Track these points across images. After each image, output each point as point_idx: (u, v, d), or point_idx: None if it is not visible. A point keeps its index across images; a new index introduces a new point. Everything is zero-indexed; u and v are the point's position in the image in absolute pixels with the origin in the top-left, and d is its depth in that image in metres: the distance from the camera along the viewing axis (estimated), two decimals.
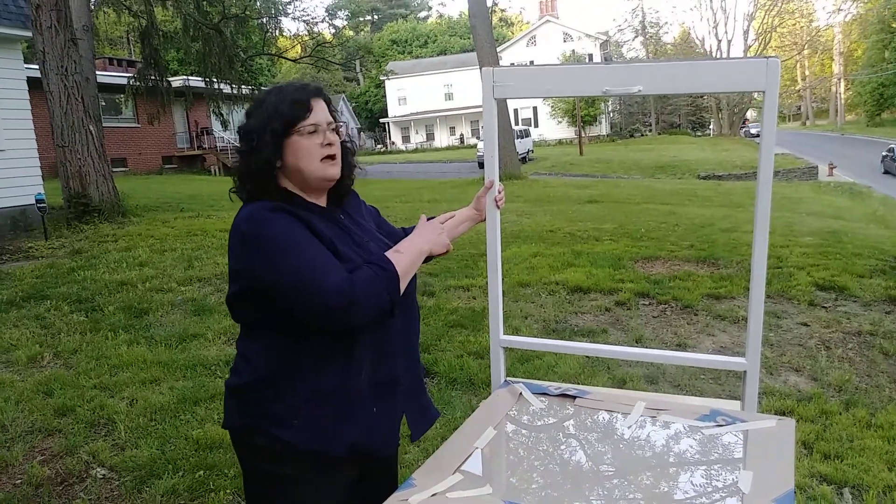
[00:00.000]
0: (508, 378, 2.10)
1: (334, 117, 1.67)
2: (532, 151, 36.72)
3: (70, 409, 3.87)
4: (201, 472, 3.12)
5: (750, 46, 60.21)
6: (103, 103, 22.07)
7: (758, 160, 1.77)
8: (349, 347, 1.58)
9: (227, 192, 1.69)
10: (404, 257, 1.60)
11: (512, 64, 51.41)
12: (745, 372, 1.87)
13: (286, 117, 1.58)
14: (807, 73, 73.13)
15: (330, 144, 1.62)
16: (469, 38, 41.55)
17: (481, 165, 29.09)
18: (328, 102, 1.68)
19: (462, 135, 52.44)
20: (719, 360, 2.05)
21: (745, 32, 60.35)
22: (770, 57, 1.70)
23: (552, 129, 50.15)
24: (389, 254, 1.59)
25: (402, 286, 1.57)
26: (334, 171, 1.64)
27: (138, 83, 16.92)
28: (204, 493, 2.99)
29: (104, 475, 3.20)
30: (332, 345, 1.56)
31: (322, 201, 1.68)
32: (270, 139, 1.56)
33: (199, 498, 2.96)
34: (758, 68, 1.70)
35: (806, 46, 66.74)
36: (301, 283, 1.46)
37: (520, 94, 1.99)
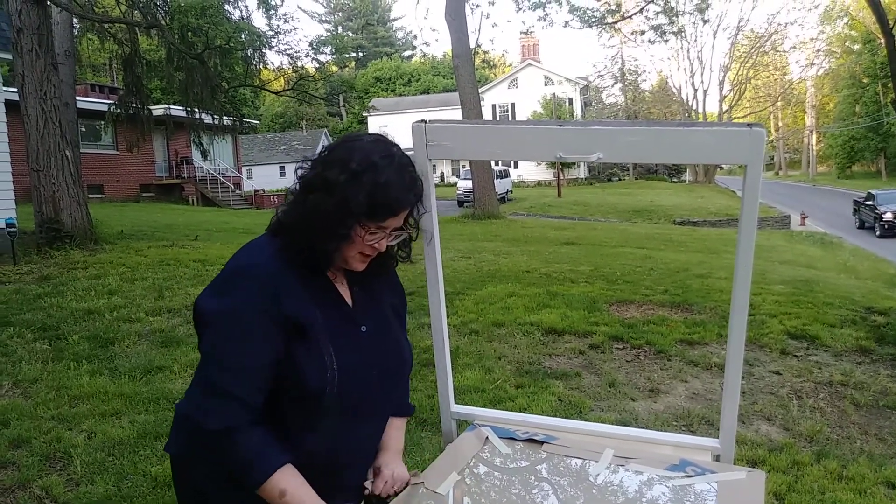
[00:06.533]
0: (476, 422, 2.04)
1: (408, 222, 1.52)
2: (511, 192, 37.03)
3: (26, 440, 3.74)
4: None
5: (725, 97, 61.63)
6: (83, 129, 21.94)
7: (736, 243, 1.60)
8: (306, 432, 1.45)
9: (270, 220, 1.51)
10: (276, 500, 1.37)
11: (496, 106, 52.18)
12: (717, 456, 1.78)
13: (375, 210, 1.39)
14: (780, 124, 74.89)
15: (375, 250, 1.47)
16: (452, 78, 42.15)
17: (461, 203, 29.44)
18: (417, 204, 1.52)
19: (443, 173, 52.75)
20: (690, 441, 1.88)
21: (721, 83, 61.80)
22: (754, 125, 1.45)
23: (531, 170, 50.63)
24: (280, 479, 1.36)
25: (259, 492, 1.37)
26: (359, 266, 1.49)
27: (119, 110, 16.83)
28: None
29: None
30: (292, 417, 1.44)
31: (339, 269, 1.53)
32: (350, 218, 1.39)
33: None
34: (739, 139, 1.47)
35: (779, 98, 68.46)
36: (214, 371, 1.37)
37: (457, 154, 1.74)
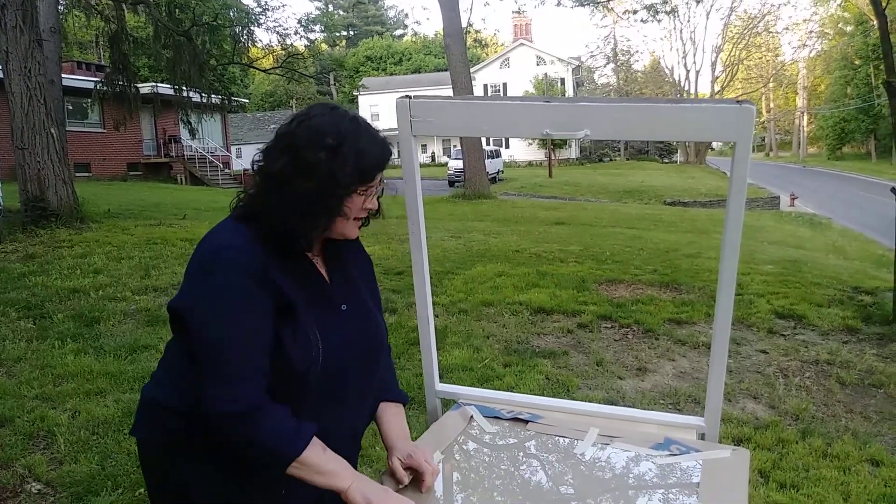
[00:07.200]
0: (461, 401, 2.03)
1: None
2: (502, 172, 36.98)
3: (9, 419, 3.70)
4: (142, 490, 2.98)
5: (717, 77, 61.54)
6: (69, 107, 21.72)
7: (724, 222, 1.59)
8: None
9: (229, 205, 1.49)
10: (322, 455, 1.38)
11: (488, 86, 51.93)
12: (702, 434, 1.79)
13: (365, 174, 1.40)
14: (771, 105, 74.92)
15: (367, 210, 1.48)
16: (443, 58, 41.89)
17: (451, 184, 29.38)
18: None
19: (433, 153, 52.60)
20: (676, 420, 1.89)
21: (713, 64, 61.69)
22: (743, 101, 1.44)
23: (523, 150, 50.56)
24: (317, 446, 1.38)
25: (291, 469, 1.36)
26: (356, 233, 1.50)
27: (106, 88, 16.64)
28: None
29: (39, 490, 3.05)
30: (282, 401, 1.40)
31: (317, 247, 1.51)
32: (343, 191, 1.38)
33: None
34: (728, 115, 1.45)
35: (771, 80, 68.46)
36: (219, 356, 1.33)
37: (442, 131, 1.72)
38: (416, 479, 1.54)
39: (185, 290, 1.39)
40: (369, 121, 1.47)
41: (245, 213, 1.42)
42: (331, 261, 1.54)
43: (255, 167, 1.43)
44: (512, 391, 4.23)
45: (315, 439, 1.38)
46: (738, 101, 1.45)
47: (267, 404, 1.34)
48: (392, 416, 1.68)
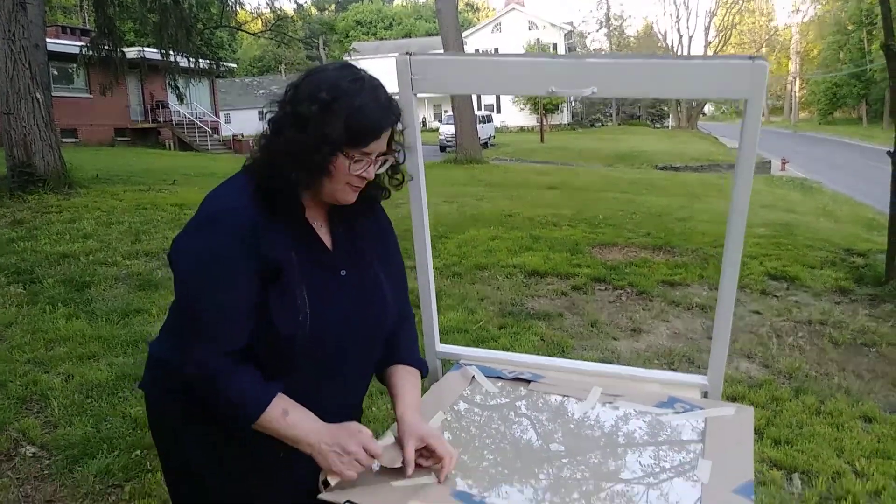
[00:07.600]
0: (461, 361, 2.01)
1: (391, 144, 1.41)
2: (493, 137, 36.76)
3: (1, 383, 3.68)
4: (138, 452, 2.98)
5: (710, 42, 61.12)
6: (55, 72, 21.35)
7: (733, 179, 1.52)
8: (281, 378, 1.38)
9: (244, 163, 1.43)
10: (281, 421, 1.34)
11: (479, 51, 51.32)
12: (705, 392, 1.77)
13: (355, 135, 1.32)
14: None
15: (363, 179, 1.38)
16: (434, 22, 41.34)
17: (443, 149, 29.20)
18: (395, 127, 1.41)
19: (424, 118, 52.19)
20: (678, 378, 1.86)
21: (707, 28, 61.25)
22: (756, 58, 1.40)
23: (514, 115, 50.22)
24: (278, 403, 1.34)
25: (256, 425, 1.34)
26: (349, 198, 1.40)
27: (91, 52, 16.31)
28: (140, 473, 2.85)
29: (34, 453, 3.04)
30: (266, 363, 1.38)
31: (321, 213, 1.46)
32: (330, 148, 1.31)
33: (135, 478, 2.82)
34: (740, 72, 1.42)
35: (764, 44, 68.07)
36: (192, 316, 1.34)
37: (443, 88, 1.67)
38: (425, 460, 1.43)
39: (180, 246, 1.36)
40: None
41: (251, 162, 1.40)
42: (337, 229, 1.48)
43: (266, 117, 1.39)
44: (507, 352, 4.24)
45: (275, 403, 1.34)
46: (750, 58, 1.42)
47: (227, 368, 1.33)
48: (408, 384, 1.57)
